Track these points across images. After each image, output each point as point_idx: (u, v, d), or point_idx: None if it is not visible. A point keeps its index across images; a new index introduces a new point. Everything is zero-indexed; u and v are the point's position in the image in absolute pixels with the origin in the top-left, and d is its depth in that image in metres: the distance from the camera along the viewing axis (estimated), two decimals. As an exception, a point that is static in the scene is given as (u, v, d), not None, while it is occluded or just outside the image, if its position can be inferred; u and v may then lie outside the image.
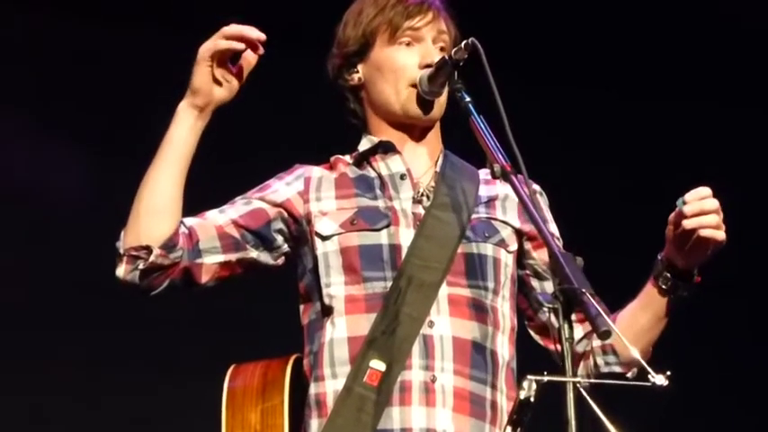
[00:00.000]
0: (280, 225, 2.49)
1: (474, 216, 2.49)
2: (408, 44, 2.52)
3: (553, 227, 2.52)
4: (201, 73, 2.37)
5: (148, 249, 2.35)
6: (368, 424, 2.34)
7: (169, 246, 2.36)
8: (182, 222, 2.41)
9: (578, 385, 2.03)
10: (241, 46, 2.36)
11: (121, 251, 2.37)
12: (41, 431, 4.38)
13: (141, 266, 2.36)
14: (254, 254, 2.48)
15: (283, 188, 2.53)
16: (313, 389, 2.42)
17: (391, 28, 2.51)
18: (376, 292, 2.41)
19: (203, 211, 2.51)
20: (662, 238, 2.44)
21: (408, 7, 2.51)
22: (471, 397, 2.40)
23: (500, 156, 2.27)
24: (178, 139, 2.38)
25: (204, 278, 2.44)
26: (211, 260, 2.44)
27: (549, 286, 2.52)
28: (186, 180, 2.40)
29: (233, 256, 2.46)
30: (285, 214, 2.49)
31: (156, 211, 2.37)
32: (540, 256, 2.55)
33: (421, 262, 2.41)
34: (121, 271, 2.37)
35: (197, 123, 2.39)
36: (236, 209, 2.48)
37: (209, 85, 2.37)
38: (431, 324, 2.39)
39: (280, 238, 2.50)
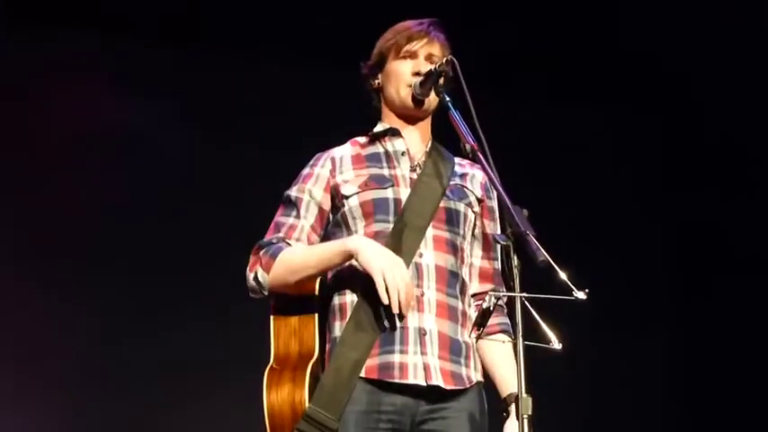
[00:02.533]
0: (329, 204, 3.10)
1: (451, 183, 3.12)
2: (407, 58, 3.15)
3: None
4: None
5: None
6: (377, 322, 2.91)
7: None
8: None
9: (523, 299, 2.56)
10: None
11: (265, 287, 3.00)
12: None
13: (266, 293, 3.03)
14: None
15: (321, 171, 3.12)
16: (336, 300, 2.99)
17: (397, 47, 3.15)
18: (383, 231, 2.97)
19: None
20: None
21: (412, 33, 3.15)
22: (448, 307, 2.98)
23: (470, 138, 2.83)
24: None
25: None
26: None
27: (477, 246, 3.14)
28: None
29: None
30: (330, 193, 3.09)
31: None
32: (478, 222, 3.13)
33: (414, 212, 3.01)
34: (255, 285, 3.04)
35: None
36: (310, 214, 3.08)
37: None
38: (420, 255, 2.98)
39: (330, 213, 3.11)
